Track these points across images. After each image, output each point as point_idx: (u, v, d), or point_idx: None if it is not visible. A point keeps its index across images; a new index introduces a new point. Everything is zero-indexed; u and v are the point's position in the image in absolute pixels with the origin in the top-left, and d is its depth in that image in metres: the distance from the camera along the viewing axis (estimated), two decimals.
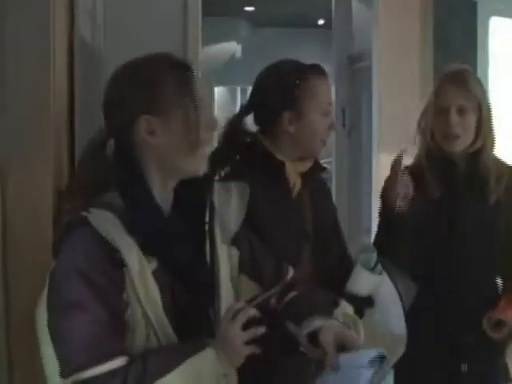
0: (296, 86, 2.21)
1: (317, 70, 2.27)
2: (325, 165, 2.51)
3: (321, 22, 11.14)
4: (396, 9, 5.03)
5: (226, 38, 11.71)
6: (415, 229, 2.41)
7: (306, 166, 2.31)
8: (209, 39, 10.59)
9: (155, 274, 1.57)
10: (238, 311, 1.54)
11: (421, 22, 5.02)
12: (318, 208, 2.36)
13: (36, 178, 2.08)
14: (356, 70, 6.22)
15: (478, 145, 2.44)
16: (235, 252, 1.81)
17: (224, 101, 12.46)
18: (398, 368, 1.67)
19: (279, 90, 2.24)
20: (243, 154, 2.26)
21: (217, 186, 1.79)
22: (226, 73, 11.44)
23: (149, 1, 3.15)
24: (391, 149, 5.14)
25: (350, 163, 6.28)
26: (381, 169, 5.10)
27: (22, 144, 2.09)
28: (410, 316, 2.46)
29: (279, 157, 2.22)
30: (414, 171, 2.50)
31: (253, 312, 1.55)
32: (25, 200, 2.06)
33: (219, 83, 11.98)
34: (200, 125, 1.61)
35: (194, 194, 1.66)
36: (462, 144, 2.45)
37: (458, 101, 2.41)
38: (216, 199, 1.74)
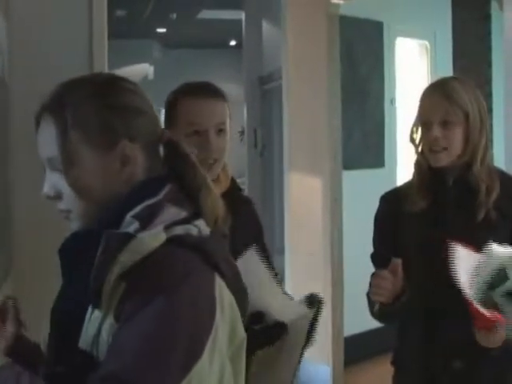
0: (168, 106, 2.24)
1: (193, 91, 2.24)
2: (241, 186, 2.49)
3: (232, 43, 11.21)
4: (304, 30, 5.10)
5: (138, 60, 11.66)
6: (401, 243, 2.33)
7: (221, 187, 2.28)
8: (120, 61, 10.51)
9: None
10: None
11: (328, 43, 5.09)
12: (239, 229, 2.31)
13: None
14: (266, 91, 6.27)
15: (467, 157, 2.31)
16: None
17: None
18: None
19: (165, 110, 2.28)
20: None
21: None
22: None
23: (53, 27, 3.09)
24: (302, 167, 5.23)
25: (262, 182, 6.31)
26: (292, 187, 5.15)
27: None
28: (398, 338, 2.43)
29: None
30: (407, 186, 2.42)
31: None
32: None
33: None
34: None
35: None
36: (447, 157, 2.31)
37: (441, 113, 2.28)
38: None
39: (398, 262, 2.17)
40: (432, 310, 2.31)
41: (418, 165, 2.40)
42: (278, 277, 2.47)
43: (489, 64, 6.20)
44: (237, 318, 1.32)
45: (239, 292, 1.37)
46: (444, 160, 2.31)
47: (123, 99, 1.36)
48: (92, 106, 1.33)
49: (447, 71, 5.90)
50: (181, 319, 1.19)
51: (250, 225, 2.40)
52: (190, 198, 1.37)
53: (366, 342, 5.20)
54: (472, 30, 6.29)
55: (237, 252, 2.27)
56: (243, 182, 6.38)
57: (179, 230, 1.28)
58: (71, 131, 1.31)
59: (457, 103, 2.28)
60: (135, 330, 1.16)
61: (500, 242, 2.28)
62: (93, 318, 1.24)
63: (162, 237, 1.25)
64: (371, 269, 2.47)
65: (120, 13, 9.13)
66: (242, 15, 6.68)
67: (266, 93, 6.29)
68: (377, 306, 2.22)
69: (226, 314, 1.27)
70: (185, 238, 1.28)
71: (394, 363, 2.48)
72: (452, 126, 2.29)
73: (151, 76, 11.83)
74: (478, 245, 2.23)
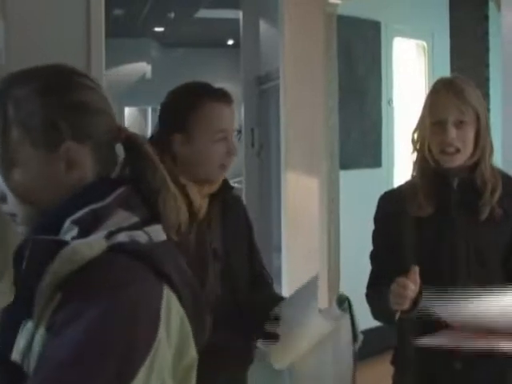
0: (188, 108, 2.17)
1: (217, 96, 2.20)
2: (234, 184, 2.48)
3: (230, 42, 11.21)
4: (302, 30, 5.11)
5: (136, 59, 11.67)
6: (404, 244, 2.31)
7: (213, 187, 2.28)
8: (118, 60, 10.53)
9: None
10: None
11: (326, 42, 5.10)
12: (229, 228, 2.32)
13: None
14: (264, 90, 6.27)
15: (476, 157, 2.28)
16: None
17: (135, 121, 12.37)
18: None
19: (172, 111, 2.22)
20: None
21: None
22: (136, 93, 11.39)
23: (51, 26, 3.09)
24: (299, 167, 5.24)
25: (259, 182, 6.31)
26: (289, 187, 5.15)
27: None
28: (398, 338, 2.44)
29: (182, 179, 2.17)
30: (409, 187, 2.38)
31: None
32: None
33: (130, 104, 11.90)
34: None
35: None
36: (460, 158, 2.27)
37: (456, 113, 2.24)
38: None
39: (416, 269, 2.13)
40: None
41: (422, 166, 2.36)
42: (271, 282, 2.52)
43: (486, 65, 6.20)
44: (187, 335, 1.19)
45: (195, 306, 1.23)
46: (457, 161, 2.28)
47: (76, 97, 1.25)
48: (37, 101, 1.22)
49: (445, 71, 5.90)
50: (114, 332, 1.06)
51: (240, 223, 2.41)
52: (148, 202, 1.25)
53: (364, 341, 5.19)
54: (470, 30, 6.31)
55: (227, 250, 2.29)
56: (240, 182, 6.39)
57: (122, 237, 1.16)
58: (12, 128, 1.21)
59: (469, 103, 2.25)
60: (65, 343, 1.04)
61: (504, 239, 2.30)
62: (25, 329, 1.14)
63: (101, 244, 1.13)
64: (368, 268, 2.47)
65: (118, 12, 9.13)
66: (240, 14, 6.68)
67: (263, 92, 6.29)
68: (398, 314, 2.17)
69: (173, 330, 1.15)
70: (127, 245, 1.16)
71: (393, 363, 2.48)
72: (465, 126, 2.25)
73: (149, 75, 11.84)
74: (483, 243, 2.27)
